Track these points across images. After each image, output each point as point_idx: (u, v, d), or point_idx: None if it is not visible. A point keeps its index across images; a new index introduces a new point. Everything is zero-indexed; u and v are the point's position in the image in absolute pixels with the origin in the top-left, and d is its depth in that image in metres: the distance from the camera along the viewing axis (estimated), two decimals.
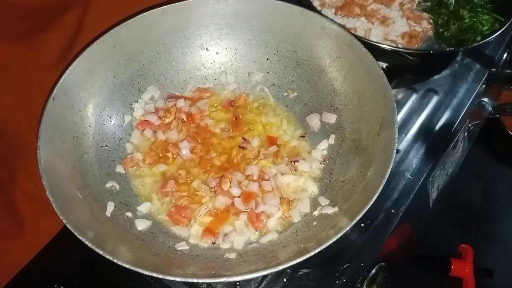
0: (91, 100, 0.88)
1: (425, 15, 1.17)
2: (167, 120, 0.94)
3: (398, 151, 1.00)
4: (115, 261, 0.63)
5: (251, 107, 0.98)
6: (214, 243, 0.80)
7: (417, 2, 1.19)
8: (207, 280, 0.75)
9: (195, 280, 0.64)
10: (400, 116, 1.06)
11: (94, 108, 0.89)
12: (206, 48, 1.01)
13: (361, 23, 1.12)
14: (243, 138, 0.92)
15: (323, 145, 0.91)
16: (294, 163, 0.89)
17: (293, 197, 0.85)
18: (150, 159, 0.89)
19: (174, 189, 0.85)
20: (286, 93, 1.00)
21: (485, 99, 1.29)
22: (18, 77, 0.89)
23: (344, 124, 0.91)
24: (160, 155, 0.90)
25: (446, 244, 1.15)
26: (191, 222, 0.82)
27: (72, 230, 0.65)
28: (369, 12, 1.15)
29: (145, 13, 0.91)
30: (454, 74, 1.16)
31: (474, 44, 1.06)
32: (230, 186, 0.84)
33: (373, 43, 1.00)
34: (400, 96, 1.10)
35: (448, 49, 1.09)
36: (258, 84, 1.02)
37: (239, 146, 0.91)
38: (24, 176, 0.89)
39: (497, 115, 1.40)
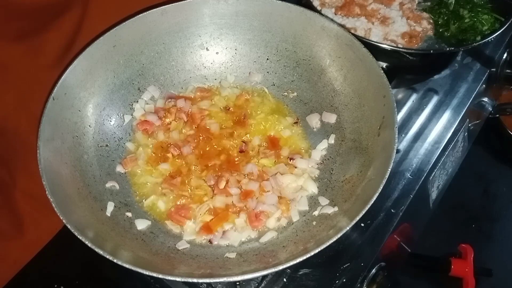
0: (91, 100, 0.88)
1: (425, 15, 1.17)
2: (167, 120, 0.94)
3: (398, 151, 0.99)
4: (115, 261, 0.63)
5: (252, 106, 0.98)
6: (210, 242, 0.80)
7: (417, 2, 1.19)
8: (207, 280, 0.75)
9: (195, 280, 0.64)
10: (400, 116, 1.06)
11: (94, 108, 0.89)
12: (206, 48, 1.01)
13: (361, 23, 1.12)
14: (243, 141, 0.92)
15: (323, 145, 0.91)
16: (291, 160, 0.89)
17: (292, 196, 0.85)
18: (151, 160, 0.90)
19: (177, 184, 0.85)
20: (286, 93, 1.00)
21: (485, 99, 1.29)
22: (18, 77, 0.89)
23: (344, 124, 0.91)
24: (159, 156, 0.90)
25: (446, 244, 1.15)
26: (191, 221, 0.82)
27: (72, 230, 0.65)
28: (369, 12, 1.15)
29: (145, 13, 0.91)
30: (454, 74, 1.16)
31: (474, 44, 1.06)
32: (227, 185, 0.84)
33: (373, 43, 1.00)
34: (400, 96, 1.10)
35: (448, 49, 1.09)
36: (258, 84, 1.02)
37: (239, 151, 0.91)
38: (24, 176, 0.89)
39: (497, 115, 1.40)
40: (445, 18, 1.14)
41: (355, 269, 0.83)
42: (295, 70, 0.99)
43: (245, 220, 0.82)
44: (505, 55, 1.25)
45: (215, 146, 0.92)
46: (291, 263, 0.64)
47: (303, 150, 0.92)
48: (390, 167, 0.70)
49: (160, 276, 0.63)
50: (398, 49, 1.03)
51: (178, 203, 0.84)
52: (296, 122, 0.96)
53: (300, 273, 0.83)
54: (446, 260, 1.02)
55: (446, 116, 1.07)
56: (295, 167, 0.89)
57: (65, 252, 0.88)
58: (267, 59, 1.01)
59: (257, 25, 0.98)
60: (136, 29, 0.92)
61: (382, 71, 0.82)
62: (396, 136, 0.74)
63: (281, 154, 0.91)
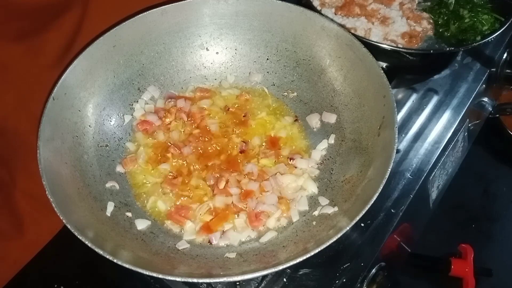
0: (91, 100, 0.88)
1: (425, 15, 1.17)
2: (167, 120, 0.94)
3: (398, 151, 0.99)
4: (115, 261, 0.63)
5: (252, 106, 0.98)
6: (210, 242, 0.80)
7: (417, 2, 1.19)
8: (207, 280, 0.75)
9: (195, 280, 0.64)
10: (400, 116, 1.06)
11: (94, 108, 0.89)
12: (206, 48, 1.01)
13: (361, 23, 1.12)
14: (243, 141, 0.92)
15: (323, 145, 0.91)
16: (291, 160, 0.89)
17: (292, 196, 0.85)
18: (150, 160, 0.90)
19: (177, 184, 0.85)
20: (286, 93, 1.00)
21: (485, 99, 1.29)
22: (18, 77, 0.89)
23: (344, 124, 0.91)
24: (159, 156, 0.90)
25: (446, 244, 1.15)
26: (191, 221, 0.82)
27: (72, 230, 0.65)
28: (369, 12, 1.15)
29: (145, 13, 0.91)
30: (454, 74, 1.16)
31: (474, 44, 1.06)
32: (227, 185, 0.84)
33: (373, 43, 1.00)
34: (400, 96, 1.10)
35: (448, 49, 1.09)
36: (258, 84, 1.02)
37: (239, 151, 0.91)
38: (24, 176, 0.89)
39: (497, 115, 1.40)
40: (445, 18, 1.14)
41: (355, 269, 0.83)
42: (295, 70, 0.99)
43: (245, 220, 0.82)
44: (505, 55, 1.25)
45: (215, 146, 0.92)
46: (291, 263, 0.64)
47: (303, 150, 0.92)
48: (390, 167, 0.70)
49: (160, 276, 0.63)
50: (398, 49, 1.03)
51: (178, 203, 0.84)
52: (296, 120, 0.96)
53: (300, 273, 0.83)
54: (446, 260, 1.02)
55: (446, 116, 1.07)
56: (295, 167, 0.89)
57: (65, 252, 0.88)
58: (267, 59, 1.01)
59: (257, 25, 0.98)
60: (136, 29, 0.92)
61: (382, 71, 0.82)
62: (396, 136, 0.74)
63: (281, 154, 0.91)
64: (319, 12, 1.02)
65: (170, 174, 0.88)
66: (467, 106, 1.09)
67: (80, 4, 0.95)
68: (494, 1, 1.15)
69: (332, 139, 0.92)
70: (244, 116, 0.96)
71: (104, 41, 0.88)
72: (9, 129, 0.89)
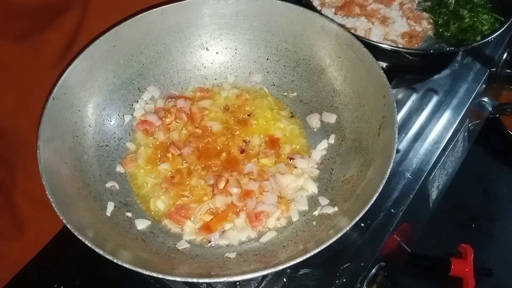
0: (91, 100, 0.89)
1: (425, 14, 1.17)
2: (167, 120, 0.94)
3: (398, 151, 0.99)
4: (115, 261, 0.63)
5: (252, 106, 0.98)
6: (210, 242, 0.80)
7: (417, 2, 1.19)
8: (207, 280, 0.75)
9: (195, 280, 0.64)
10: (400, 116, 1.06)
11: (94, 108, 0.89)
12: (206, 48, 1.01)
13: (361, 23, 1.12)
14: (244, 141, 0.92)
15: (323, 145, 0.91)
16: (291, 160, 0.89)
17: (292, 196, 0.85)
18: (151, 160, 0.90)
19: (177, 184, 0.85)
20: (286, 93, 1.00)
21: (485, 99, 1.29)
22: (18, 77, 0.89)
23: (344, 124, 0.91)
24: (159, 156, 0.90)
25: (446, 244, 1.15)
26: (191, 220, 0.82)
27: (72, 230, 0.65)
28: (369, 12, 1.15)
29: (145, 13, 0.91)
30: (454, 73, 1.16)
31: (474, 43, 1.06)
32: (227, 185, 0.84)
33: (373, 43, 1.00)
34: (400, 96, 1.10)
35: (448, 48, 1.09)
36: (258, 84, 1.02)
37: (240, 152, 0.91)
38: (24, 176, 0.89)
39: (497, 115, 1.40)
40: (445, 18, 1.15)
41: (355, 269, 0.83)
42: (295, 70, 0.99)
43: (245, 220, 0.82)
44: (505, 55, 1.25)
45: (215, 146, 0.92)
46: (291, 263, 0.64)
47: (303, 150, 0.92)
48: (390, 167, 0.70)
49: (160, 276, 0.63)
50: (398, 49, 1.03)
51: (178, 203, 0.84)
52: (292, 116, 0.96)
53: (300, 273, 0.83)
54: (446, 260, 1.02)
55: (446, 116, 1.07)
56: (295, 167, 0.89)
57: (65, 252, 0.88)
58: (267, 59, 1.01)
59: (257, 25, 0.98)
60: (136, 29, 0.92)
61: (382, 71, 0.82)
62: (396, 136, 0.74)
63: (282, 152, 0.91)
64: (319, 12, 1.02)
65: (170, 174, 0.88)
66: (467, 106, 1.09)
67: (80, 4, 0.95)
68: (494, 1, 1.15)
69: (332, 139, 0.92)
70: (248, 115, 0.96)
71: (104, 41, 0.88)
72: (9, 129, 0.89)
